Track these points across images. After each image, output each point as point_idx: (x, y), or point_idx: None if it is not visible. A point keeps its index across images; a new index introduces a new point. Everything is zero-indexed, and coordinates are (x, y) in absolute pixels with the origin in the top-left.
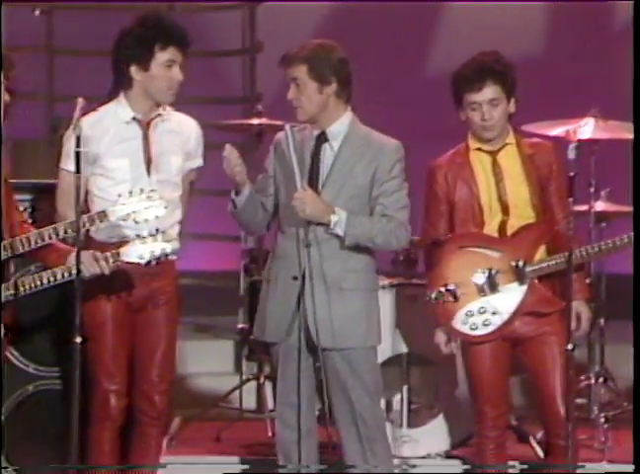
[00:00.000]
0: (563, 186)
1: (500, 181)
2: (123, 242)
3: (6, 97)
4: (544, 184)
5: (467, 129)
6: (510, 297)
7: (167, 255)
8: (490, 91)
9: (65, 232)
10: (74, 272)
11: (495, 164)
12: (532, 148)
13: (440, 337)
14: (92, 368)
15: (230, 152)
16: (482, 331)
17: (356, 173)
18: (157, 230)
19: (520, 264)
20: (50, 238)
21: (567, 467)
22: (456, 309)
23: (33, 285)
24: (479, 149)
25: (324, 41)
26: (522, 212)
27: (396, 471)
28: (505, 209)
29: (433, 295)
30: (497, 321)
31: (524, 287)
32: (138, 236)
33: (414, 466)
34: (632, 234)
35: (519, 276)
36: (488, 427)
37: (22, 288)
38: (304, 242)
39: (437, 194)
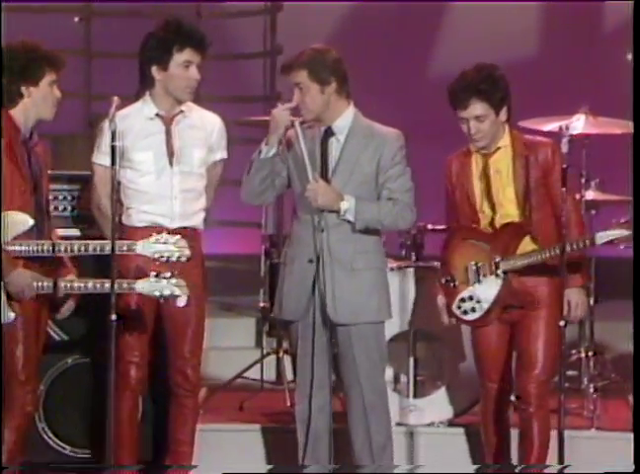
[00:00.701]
0: (569, 190)
1: (488, 181)
2: (151, 228)
3: (57, 93)
4: (541, 181)
5: None
6: (489, 288)
7: (174, 297)
8: (475, 108)
9: (95, 250)
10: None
11: (486, 166)
12: (529, 148)
13: (440, 301)
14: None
15: (282, 112)
16: (471, 316)
17: (362, 162)
18: (173, 274)
19: (497, 259)
20: (80, 251)
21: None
22: (455, 294)
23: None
24: (477, 152)
25: (318, 46)
26: (507, 211)
27: (402, 471)
28: (492, 208)
29: (442, 281)
30: (480, 309)
31: (500, 281)
32: (157, 275)
33: (419, 467)
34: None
35: (496, 269)
36: (491, 400)
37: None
38: (318, 228)
39: (447, 187)
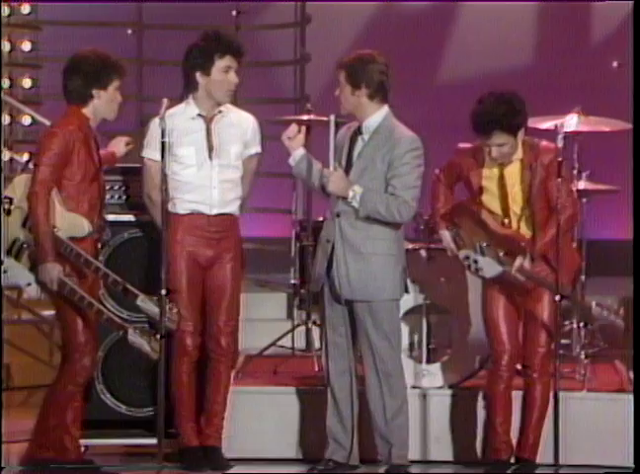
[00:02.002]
0: (564, 179)
1: (505, 190)
2: (193, 215)
3: (120, 98)
4: (544, 184)
5: None
6: (492, 267)
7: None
8: (498, 138)
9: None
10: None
11: (502, 176)
12: (536, 154)
13: (445, 236)
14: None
15: (294, 129)
16: (470, 270)
17: (376, 159)
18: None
19: (501, 254)
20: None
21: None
22: (460, 247)
23: None
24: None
25: (366, 53)
26: (513, 216)
27: (413, 471)
28: (505, 211)
29: (452, 232)
30: (480, 272)
31: (501, 269)
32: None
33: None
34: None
35: (500, 262)
36: (501, 369)
37: None
38: (334, 212)
39: (445, 172)
